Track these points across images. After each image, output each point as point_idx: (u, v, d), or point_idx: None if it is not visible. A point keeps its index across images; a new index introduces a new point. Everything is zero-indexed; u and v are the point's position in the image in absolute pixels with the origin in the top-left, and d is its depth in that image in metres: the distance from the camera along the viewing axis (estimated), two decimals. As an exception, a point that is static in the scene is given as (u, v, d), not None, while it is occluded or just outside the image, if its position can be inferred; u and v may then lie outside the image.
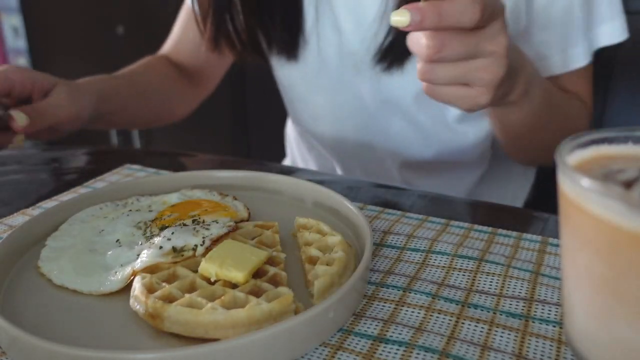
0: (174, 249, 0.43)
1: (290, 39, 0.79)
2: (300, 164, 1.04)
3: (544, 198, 0.92)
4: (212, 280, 0.40)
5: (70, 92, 0.70)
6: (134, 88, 0.85)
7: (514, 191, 0.93)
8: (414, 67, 0.69)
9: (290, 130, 1.05)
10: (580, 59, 0.73)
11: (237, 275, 0.39)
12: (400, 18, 0.44)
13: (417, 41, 0.48)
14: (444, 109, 0.79)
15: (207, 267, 0.40)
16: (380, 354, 0.35)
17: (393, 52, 0.72)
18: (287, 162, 1.09)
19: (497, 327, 0.38)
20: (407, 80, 0.76)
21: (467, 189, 0.89)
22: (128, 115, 0.86)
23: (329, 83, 0.81)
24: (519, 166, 0.91)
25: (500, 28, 0.48)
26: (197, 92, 0.99)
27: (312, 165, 1.00)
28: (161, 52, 0.98)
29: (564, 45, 0.73)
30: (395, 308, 0.40)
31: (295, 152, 1.05)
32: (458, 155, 0.85)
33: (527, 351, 0.35)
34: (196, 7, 0.80)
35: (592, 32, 0.73)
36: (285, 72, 0.85)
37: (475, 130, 0.82)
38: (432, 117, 0.81)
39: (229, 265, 0.40)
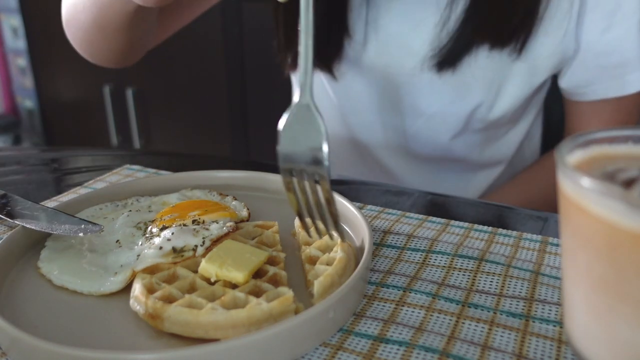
0: (174, 250, 0.43)
1: (334, 37, 0.78)
2: None
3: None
4: (212, 280, 0.40)
5: None
6: None
7: None
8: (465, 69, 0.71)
9: None
10: (635, 85, 0.73)
11: (237, 275, 0.39)
12: None
13: None
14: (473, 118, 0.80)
15: (207, 267, 0.40)
16: (381, 354, 0.35)
17: (451, 56, 0.73)
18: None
19: (498, 327, 0.38)
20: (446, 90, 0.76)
21: (478, 193, 0.89)
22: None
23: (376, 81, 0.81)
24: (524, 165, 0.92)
25: None
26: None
27: None
28: None
29: (621, 72, 0.73)
30: (395, 308, 0.40)
31: None
32: (483, 158, 0.85)
33: (528, 351, 0.35)
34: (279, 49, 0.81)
35: None
36: (340, 85, 0.84)
37: (507, 134, 0.83)
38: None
39: (229, 265, 0.40)
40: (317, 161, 0.39)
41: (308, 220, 0.42)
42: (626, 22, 0.70)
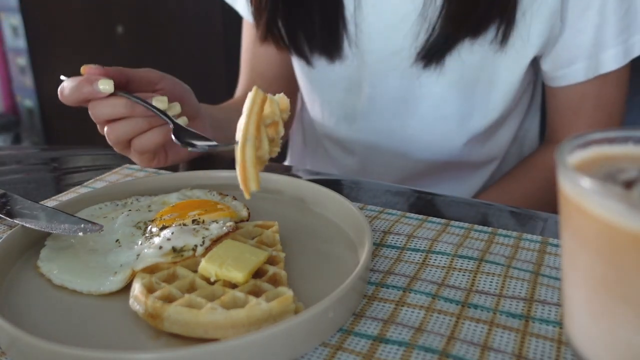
0: (174, 249, 0.43)
1: (330, 39, 0.79)
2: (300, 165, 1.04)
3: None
4: (212, 280, 0.40)
5: (203, 127, 0.69)
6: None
7: None
8: (452, 66, 0.72)
9: (297, 133, 1.05)
10: (610, 63, 0.72)
11: (237, 275, 0.39)
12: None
13: None
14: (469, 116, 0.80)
15: (207, 267, 0.40)
16: (380, 354, 0.35)
17: (434, 50, 0.73)
18: (286, 163, 1.09)
19: (497, 328, 0.38)
20: (441, 80, 0.77)
21: (474, 192, 0.89)
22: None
23: (368, 81, 0.81)
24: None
25: None
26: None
27: (313, 167, 1.00)
28: (236, 95, 0.96)
29: (596, 50, 0.72)
30: (395, 308, 0.40)
31: (299, 153, 1.04)
32: (473, 157, 0.85)
33: (527, 351, 0.35)
34: (252, 10, 0.81)
35: (630, 39, 0.72)
36: (326, 73, 0.84)
37: (497, 134, 0.83)
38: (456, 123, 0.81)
39: (228, 265, 0.40)
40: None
41: None
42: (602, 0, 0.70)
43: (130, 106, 0.57)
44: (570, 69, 0.74)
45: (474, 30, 0.70)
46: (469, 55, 0.73)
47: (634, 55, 0.72)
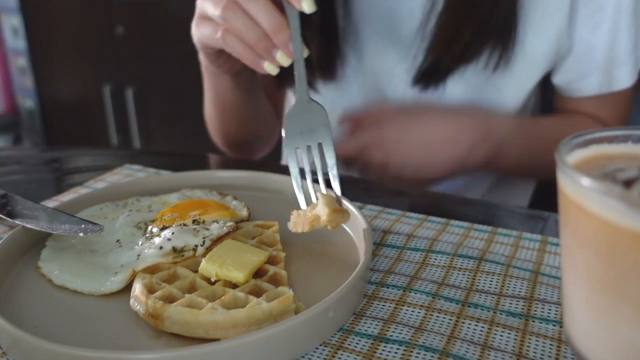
0: (174, 249, 0.43)
1: (328, 60, 0.79)
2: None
3: (545, 198, 0.92)
4: (213, 280, 0.40)
5: None
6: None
7: (517, 194, 0.93)
8: (453, 85, 0.74)
9: None
10: (623, 81, 0.74)
11: (238, 275, 0.39)
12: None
13: None
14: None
15: (208, 267, 0.40)
16: (381, 354, 0.35)
17: (432, 73, 0.73)
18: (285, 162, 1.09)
19: (497, 327, 0.38)
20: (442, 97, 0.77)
21: (479, 195, 0.89)
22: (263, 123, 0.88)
23: (366, 100, 0.81)
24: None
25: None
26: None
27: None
28: None
29: (609, 66, 0.73)
30: (395, 307, 0.40)
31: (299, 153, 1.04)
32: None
33: (527, 350, 0.36)
34: None
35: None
36: (326, 95, 0.84)
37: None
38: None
39: (229, 265, 0.40)
40: (321, 133, 0.48)
41: (305, 186, 0.48)
42: (615, 17, 0.71)
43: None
44: (583, 83, 0.75)
45: (467, 57, 0.71)
46: (472, 76, 0.73)
47: None
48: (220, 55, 0.63)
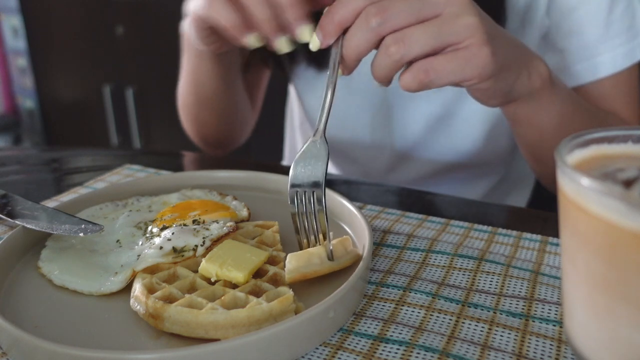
0: (175, 250, 0.43)
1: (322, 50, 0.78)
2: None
3: (545, 198, 0.92)
4: (213, 280, 0.40)
5: None
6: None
7: (517, 194, 0.93)
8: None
9: (293, 131, 1.05)
10: (607, 67, 0.70)
11: (238, 275, 0.39)
12: (312, 42, 0.47)
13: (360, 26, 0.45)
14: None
15: (208, 267, 0.40)
16: (381, 354, 0.35)
17: None
18: (285, 162, 1.09)
19: (497, 327, 0.38)
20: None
21: (480, 196, 0.89)
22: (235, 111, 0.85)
23: (359, 87, 0.81)
24: (523, 169, 0.91)
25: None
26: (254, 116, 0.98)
27: None
28: None
29: (590, 52, 0.70)
30: (395, 308, 0.40)
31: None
32: (481, 159, 0.85)
33: (528, 350, 0.36)
34: None
35: (636, 40, 0.70)
36: (316, 84, 0.84)
37: (501, 136, 0.83)
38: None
39: (229, 265, 0.40)
40: (316, 185, 0.45)
41: (305, 235, 0.46)
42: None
43: None
44: (563, 74, 0.71)
45: None
46: None
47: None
48: (213, 32, 0.59)
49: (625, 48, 0.70)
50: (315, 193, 0.45)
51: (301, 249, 0.45)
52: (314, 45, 0.48)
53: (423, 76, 0.45)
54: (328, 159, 0.46)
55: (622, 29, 0.69)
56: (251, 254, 0.42)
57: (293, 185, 0.45)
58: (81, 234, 0.45)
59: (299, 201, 0.45)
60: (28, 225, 0.47)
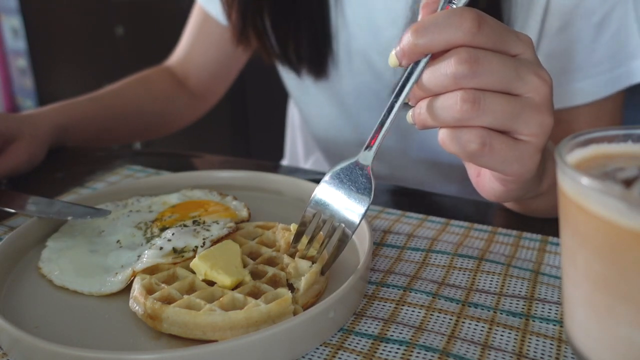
0: (175, 250, 0.43)
1: (317, 57, 0.78)
2: (300, 165, 1.04)
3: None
4: (201, 279, 0.40)
5: (27, 145, 0.69)
6: (110, 110, 0.86)
7: None
8: None
9: (293, 130, 1.05)
10: (586, 94, 0.65)
11: (225, 279, 0.39)
12: (391, 61, 0.41)
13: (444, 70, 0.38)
14: None
15: (199, 264, 0.40)
16: (381, 354, 0.35)
17: None
18: (285, 162, 1.09)
19: (498, 326, 0.38)
20: None
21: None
22: (112, 134, 0.88)
23: (359, 87, 0.81)
24: None
25: (535, 59, 0.41)
26: (198, 105, 0.99)
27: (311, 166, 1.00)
28: (168, 62, 0.97)
29: (569, 77, 0.65)
30: (395, 307, 0.40)
31: (300, 153, 1.04)
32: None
33: (528, 350, 0.35)
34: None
35: (622, 67, 0.64)
36: (315, 91, 0.84)
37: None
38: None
39: (219, 267, 0.40)
40: (347, 221, 0.40)
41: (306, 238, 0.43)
42: (582, 22, 0.63)
43: None
44: (583, 84, 0.65)
45: None
46: None
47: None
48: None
49: (607, 76, 0.65)
50: (343, 226, 0.40)
51: (292, 256, 0.43)
52: (392, 62, 0.42)
53: (477, 149, 0.39)
54: (372, 196, 0.41)
55: (606, 55, 0.64)
56: (236, 267, 0.41)
57: (317, 205, 0.41)
58: (89, 217, 0.47)
59: (315, 222, 0.41)
60: (37, 215, 0.47)
